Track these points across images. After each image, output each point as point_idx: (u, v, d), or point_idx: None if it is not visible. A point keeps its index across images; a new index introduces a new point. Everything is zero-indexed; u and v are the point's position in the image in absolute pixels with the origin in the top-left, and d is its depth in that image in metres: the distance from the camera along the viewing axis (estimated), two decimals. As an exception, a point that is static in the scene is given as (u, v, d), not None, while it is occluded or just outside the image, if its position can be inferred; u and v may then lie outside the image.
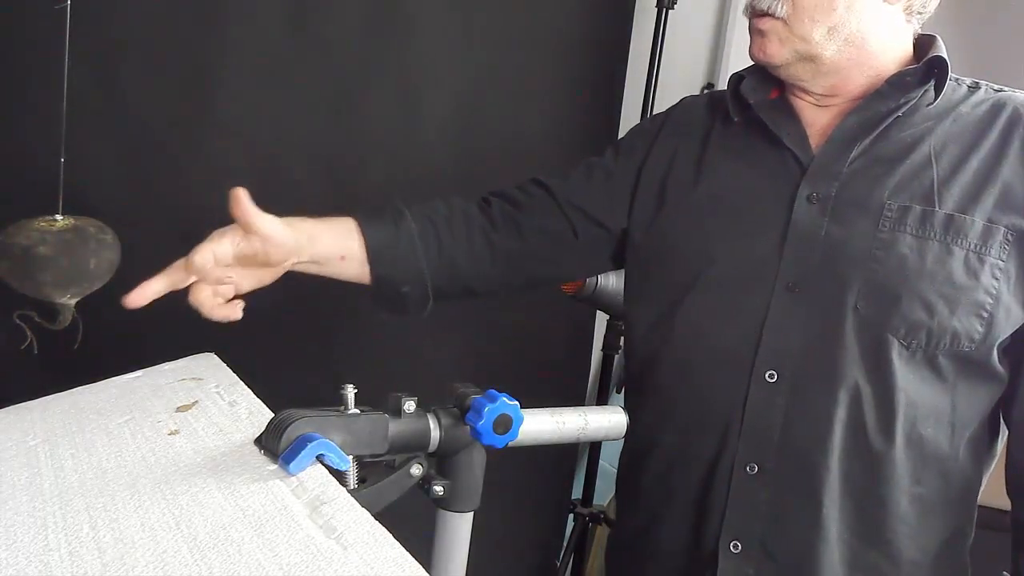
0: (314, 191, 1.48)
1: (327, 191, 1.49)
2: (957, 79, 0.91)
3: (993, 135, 0.86)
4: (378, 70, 1.48)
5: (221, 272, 0.84)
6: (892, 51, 0.90)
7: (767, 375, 0.87)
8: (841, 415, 0.85)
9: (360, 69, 1.47)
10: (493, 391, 0.75)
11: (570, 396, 1.88)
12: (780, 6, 0.85)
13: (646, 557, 0.99)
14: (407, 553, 0.49)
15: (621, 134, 1.88)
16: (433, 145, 1.57)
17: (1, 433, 0.72)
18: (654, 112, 1.84)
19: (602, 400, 2.02)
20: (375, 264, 0.94)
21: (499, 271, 1.02)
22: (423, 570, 0.48)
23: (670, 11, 1.81)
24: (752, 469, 0.88)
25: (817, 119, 0.92)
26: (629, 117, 1.86)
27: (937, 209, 0.83)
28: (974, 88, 0.91)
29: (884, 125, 0.88)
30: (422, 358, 1.60)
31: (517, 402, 0.74)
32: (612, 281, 1.54)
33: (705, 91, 2.07)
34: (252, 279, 0.87)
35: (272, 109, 1.40)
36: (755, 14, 0.88)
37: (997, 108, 0.88)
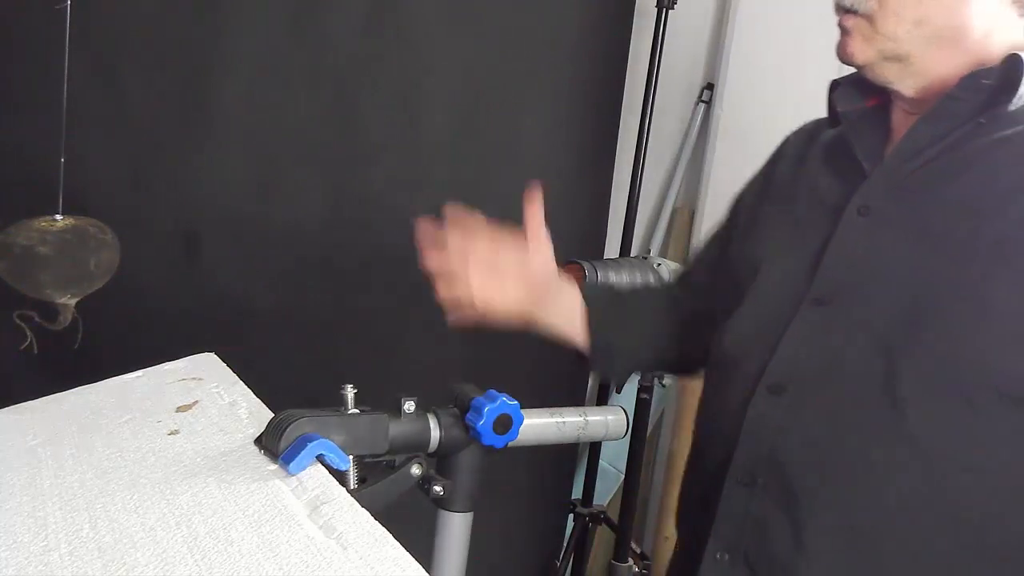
0: (314, 191, 1.48)
1: (327, 191, 1.49)
2: None
3: None
4: (378, 70, 1.48)
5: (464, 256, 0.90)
6: (998, 51, 0.79)
7: (771, 388, 0.83)
8: (845, 441, 0.78)
9: (360, 69, 1.47)
10: (493, 391, 0.75)
11: (570, 396, 1.88)
12: (865, 1, 0.78)
13: (677, 557, 1.00)
14: (407, 553, 0.49)
15: (621, 134, 1.89)
16: (433, 145, 1.57)
17: (1, 433, 0.72)
18: (653, 112, 1.84)
19: (602, 400, 2.01)
20: (594, 336, 1.00)
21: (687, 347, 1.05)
22: (423, 570, 0.48)
23: (670, 11, 1.80)
24: (744, 482, 0.84)
25: (905, 127, 0.84)
26: (629, 117, 1.86)
27: (988, 228, 0.73)
28: None
29: (956, 134, 0.78)
30: (422, 358, 1.60)
31: (517, 402, 0.74)
32: (612, 281, 1.54)
33: (705, 91, 2.08)
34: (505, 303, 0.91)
35: (272, 109, 1.41)
36: (840, 11, 0.82)
37: None
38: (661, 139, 2.03)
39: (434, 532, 0.78)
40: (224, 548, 0.50)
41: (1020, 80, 0.76)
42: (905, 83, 0.82)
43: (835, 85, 0.90)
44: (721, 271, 1.00)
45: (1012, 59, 0.77)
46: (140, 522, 0.54)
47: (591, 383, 2.09)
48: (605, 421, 0.84)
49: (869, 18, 0.79)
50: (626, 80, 1.82)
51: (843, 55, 0.83)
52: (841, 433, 0.79)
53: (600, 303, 1.02)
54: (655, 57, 1.82)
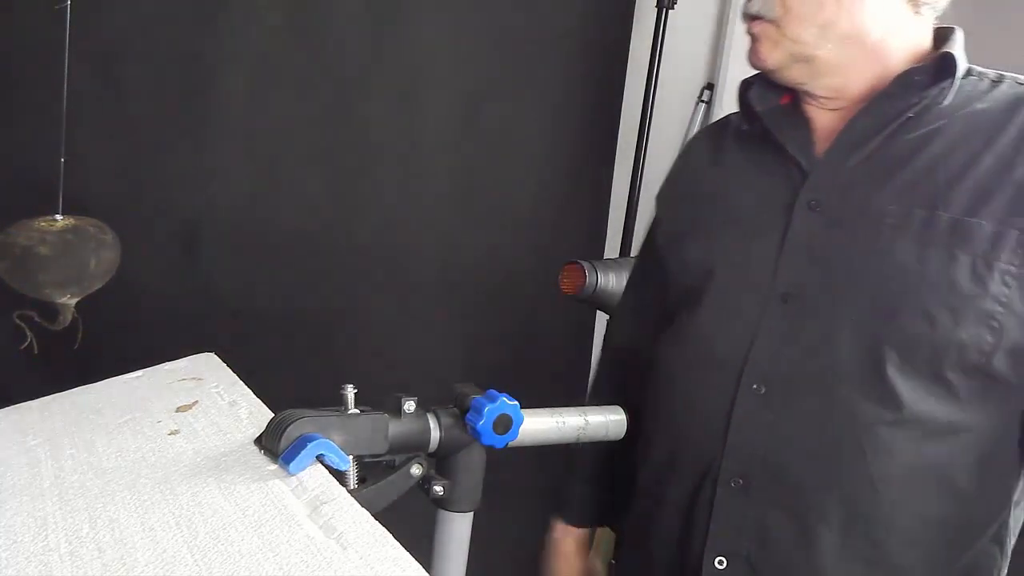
0: (314, 191, 1.48)
1: (327, 191, 1.49)
2: (980, 73, 0.86)
3: (1009, 133, 0.80)
4: (378, 70, 1.48)
5: None
6: (899, 47, 0.85)
7: (755, 387, 0.84)
8: (834, 432, 0.81)
9: (360, 69, 1.47)
10: (493, 391, 0.74)
11: (570, 396, 1.88)
12: (771, 8, 0.83)
13: (641, 565, 0.99)
14: (407, 553, 0.49)
15: (621, 134, 1.89)
16: (433, 145, 1.57)
17: (1, 433, 0.72)
18: (654, 112, 1.84)
19: (602, 400, 2.01)
20: None
21: None
22: (423, 570, 0.48)
23: (670, 11, 1.80)
24: (737, 484, 0.85)
25: (827, 123, 0.89)
26: (629, 117, 1.86)
27: (942, 214, 0.78)
28: (997, 82, 0.85)
29: (891, 127, 0.83)
30: (422, 358, 1.60)
31: (517, 402, 0.74)
32: (612, 281, 1.54)
33: (705, 91, 2.08)
34: None
35: (272, 109, 1.41)
36: (747, 18, 0.86)
37: (1017, 104, 0.82)
38: (661, 139, 2.04)
39: (434, 532, 0.78)
40: (224, 548, 0.50)
41: (951, 77, 0.81)
42: (814, 83, 0.86)
43: (747, 85, 0.93)
44: (656, 286, 1.00)
45: (944, 57, 0.82)
46: (140, 522, 0.54)
47: (591, 383, 2.09)
48: (605, 421, 0.84)
49: (776, 23, 0.83)
50: (626, 80, 1.82)
51: (754, 60, 0.87)
52: (836, 425, 0.81)
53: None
54: (655, 57, 1.81)
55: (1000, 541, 0.85)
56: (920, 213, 0.79)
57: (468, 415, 0.73)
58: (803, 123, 0.90)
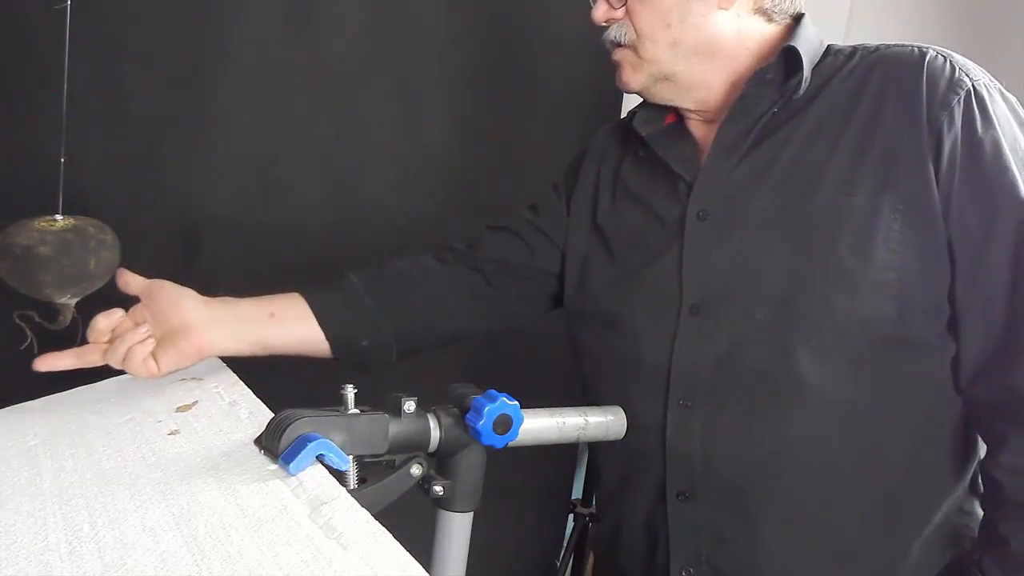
0: (314, 191, 1.48)
1: (327, 191, 1.49)
2: (837, 51, 0.87)
3: (865, 102, 0.81)
4: (378, 70, 1.48)
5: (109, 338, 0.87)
6: (748, 52, 0.87)
7: (680, 402, 0.85)
8: (760, 434, 0.82)
9: (360, 69, 1.47)
10: (493, 391, 0.75)
11: (570, 396, 1.87)
12: (624, 35, 0.87)
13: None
14: (407, 553, 0.49)
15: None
16: (433, 145, 1.57)
17: (1, 433, 0.72)
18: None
19: (602, 400, 2.01)
20: (325, 325, 0.96)
21: (469, 315, 1.04)
22: (423, 570, 0.48)
23: (670, 11, 1.80)
24: (683, 496, 0.86)
25: (706, 135, 0.91)
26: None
27: (816, 200, 0.80)
28: (851, 56, 0.86)
29: (758, 128, 0.85)
30: (422, 358, 1.60)
31: (517, 402, 0.74)
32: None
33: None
34: (168, 359, 0.86)
35: (272, 109, 1.40)
36: (610, 45, 0.90)
37: (868, 72, 0.83)
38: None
39: (434, 532, 0.78)
40: (224, 548, 0.50)
41: (799, 69, 0.83)
42: (682, 98, 0.90)
43: (632, 114, 0.97)
44: (542, 270, 1.02)
45: (787, 51, 0.84)
46: (140, 522, 0.54)
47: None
48: (605, 421, 0.84)
49: (632, 48, 0.88)
50: (626, 80, 1.81)
51: (620, 85, 0.92)
52: (760, 427, 0.82)
53: (325, 297, 0.98)
54: (655, 57, 1.81)
55: (976, 493, 0.86)
56: (796, 205, 0.81)
57: (468, 415, 0.73)
58: (686, 138, 0.92)
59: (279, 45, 1.39)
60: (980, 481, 0.85)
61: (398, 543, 0.50)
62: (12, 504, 0.58)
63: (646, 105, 0.95)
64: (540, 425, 0.80)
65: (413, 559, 0.49)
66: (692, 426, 0.85)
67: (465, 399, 0.74)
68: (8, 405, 0.81)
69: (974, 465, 0.86)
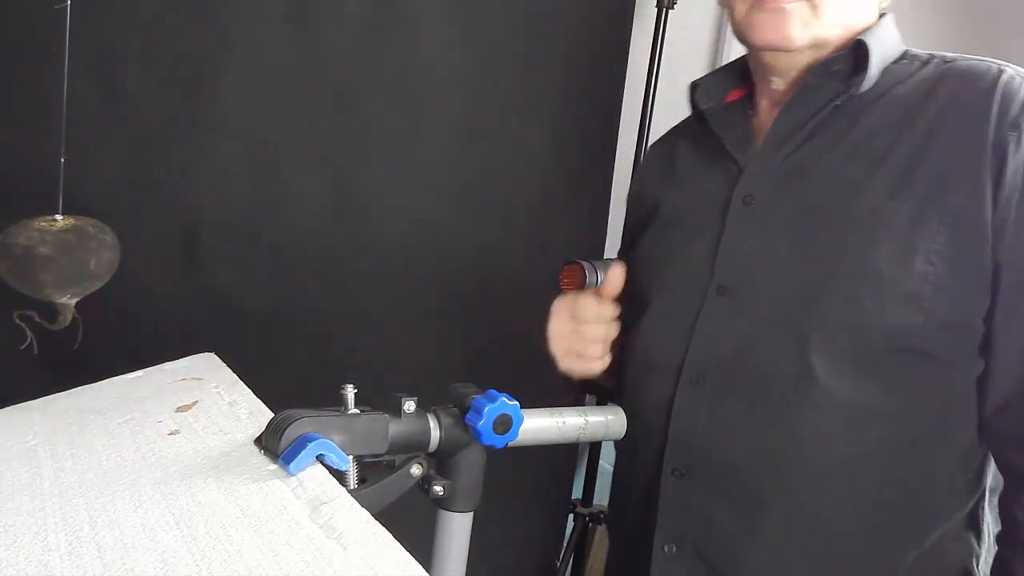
0: (314, 191, 1.48)
1: (327, 191, 1.49)
2: (913, 56, 0.86)
3: (930, 111, 0.79)
4: (378, 70, 1.48)
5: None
6: (850, 36, 0.84)
7: (692, 379, 0.85)
8: (768, 422, 0.81)
9: (360, 69, 1.47)
10: (493, 391, 0.74)
11: (570, 396, 1.87)
12: None
13: (620, 555, 1.01)
14: (407, 553, 0.49)
15: (621, 134, 1.89)
16: (433, 145, 1.57)
17: (1, 433, 0.72)
18: (654, 112, 1.84)
19: (602, 400, 2.01)
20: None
21: None
22: (423, 570, 0.48)
23: (670, 11, 1.80)
24: (679, 473, 0.86)
25: (766, 120, 0.89)
26: (629, 117, 1.86)
27: (864, 199, 0.78)
28: (926, 63, 0.84)
29: (817, 119, 0.83)
30: (422, 358, 1.60)
31: (517, 402, 0.74)
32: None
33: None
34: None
35: (272, 109, 1.41)
36: None
37: (938, 82, 0.81)
38: (661, 139, 2.03)
39: (434, 532, 0.78)
40: (224, 548, 0.50)
41: (867, 64, 0.81)
42: (805, 67, 0.85)
43: (695, 85, 0.95)
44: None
45: (857, 44, 0.82)
46: (140, 522, 0.54)
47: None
48: (605, 421, 0.84)
49: (811, 4, 0.81)
50: (626, 80, 1.82)
51: (776, 38, 0.82)
52: (767, 415, 0.82)
53: None
54: (655, 57, 1.82)
55: (976, 528, 0.85)
56: (841, 202, 0.79)
57: (468, 415, 0.73)
58: (745, 120, 0.91)
59: (279, 45, 1.39)
60: (981, 518, 0.84)
61: (398, 543, 0.50)
62: (12, 504, 0.58)
63: (709, 80, 0.93)
64: (540, 425, 0.79)
65: (413, 559, 0.49)
66: (699, 406, 0.85)
67: (465, 399, 0.74)
68: (8, 405, 0.81)
69: (977, 498, 0.84)
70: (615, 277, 0.91)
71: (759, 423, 0.82)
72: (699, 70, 2.16)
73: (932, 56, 0.85)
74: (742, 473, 0.83)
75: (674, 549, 0.87)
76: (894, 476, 0.80)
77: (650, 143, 1.84)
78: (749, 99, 0.92)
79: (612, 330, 0.92)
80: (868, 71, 0.81)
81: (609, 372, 0.96)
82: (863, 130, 0.82)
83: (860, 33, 0.83)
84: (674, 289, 0.90)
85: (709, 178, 0.91)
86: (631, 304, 0.95)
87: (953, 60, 0.83)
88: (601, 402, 1.08)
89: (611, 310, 0.92)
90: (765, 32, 0.82)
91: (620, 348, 0.96)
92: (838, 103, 0.82)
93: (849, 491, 0.81)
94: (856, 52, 0.82)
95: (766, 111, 0.90)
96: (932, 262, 0.75)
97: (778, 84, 0.88)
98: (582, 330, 0.92)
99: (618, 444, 0.97)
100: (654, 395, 0.89)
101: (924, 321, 0.76)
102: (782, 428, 0.81)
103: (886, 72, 0.83)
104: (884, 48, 0.84)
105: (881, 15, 0.88)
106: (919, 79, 0.83)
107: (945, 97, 0.79)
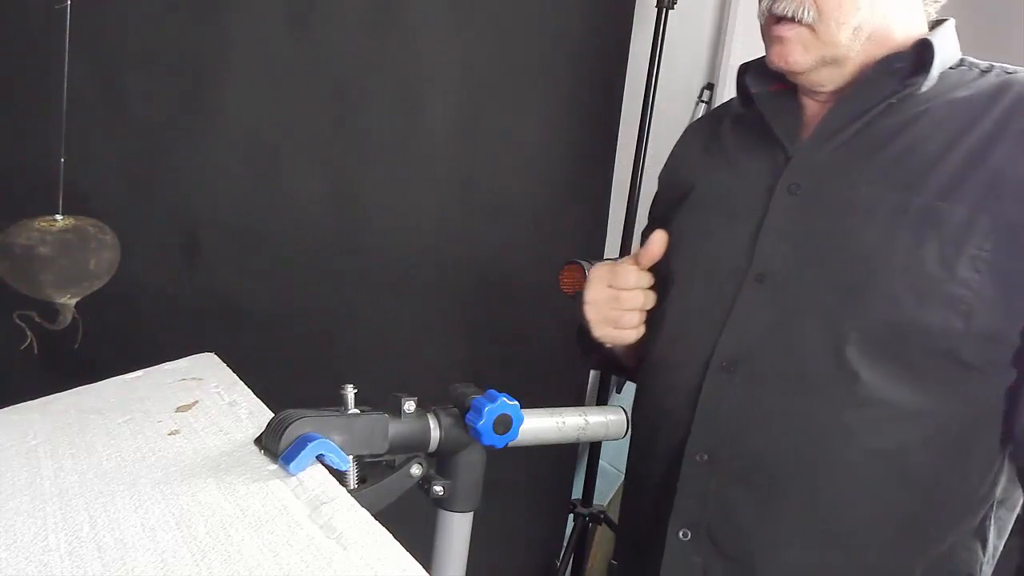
0: (314, 191, 1.48)
1: (327, 191, 1.49)
2: (972, 64, 0.86)
3: (990, 118, 0.79)
4: (378, 70, 1.48)
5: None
6: (899, 40, 0.85)
7: (723, 364, 0.85)
8: (796, 411, 0.81)
9: (360, 69, 1.47)
10: (493, 391, 0.75)
11: (570, 396, 1.88)
12: (806, 11, 0.81)
13: (631, 544, 1.00)
14: (407, 553, 0.49)
15: (621, 134, 1.89)
16: (433, 145, 1.57)
17: (1, 433, 0.72)
18: (654, 112, 1.84)
19: (602, 400, 2.01)
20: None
21: None
22: (423, 570, 0.48)
23: (670, 11, 1.80)
24: (702, 458, 0.85)
25: (817, 110, 0.89)
26: (629, 117, 1.86)
27: (914, 198, 0.78)
28: (986, 71, 0.84)
29: (873, 113, 0.83)
30: (422, 358, 1.60)
31: (517, 402, 0.74)
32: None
33: (705, 91, 2.08)
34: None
35: (272, 109, 1.41)
36: (775, 20, 0.84)
37: (1000, 90, 0.81)
38: (661, 139, 2.03)
39: (434, 532, 0.78)
40: (224, 548, 0.50)
41: (930, 64, 0.81)
42: (834, 83, 0.86)
43: (745, 68, 0.94)
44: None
45: (922, 44, 0.82)
46: (140, 522, 0.54)
47: (591, 383, 2.09)
48: (605, 421, 0.84)
49: (810, 27, 0.82)
50: (626, 80, 1.82)
51: (780, 63, 0.85)
52: (796, 406, 0.81)
53: None
54: (655, 57, 1.82)
55: (982, 537, 0.85)
56: (892, 197, 0.79)
57: (468, 415, 0.73)
58: (795, 108, 0.90)
59: (279, 44, 1.39)
60: (988, 527, 0.84)
61: (398, 543, 0.50)
62: (12, 504, 0.58)
63: (759, 65, 0.92)
64: (540, 425, 0.80)
65: (413, 559, 0.49)
66: (728, 392, 0.84)
67: (465, 399, 0.74)
68: (8, 405, 0.81)
69: (987, 508, 0.84)
70: (656, 245, 0.90)
71: (789, 413, 0.82)
72: (699, 70, 2.17)
73: (992, 65, 0.85)
74: (765, 460, 0.83)
75: (689, 535, 0.87)
76: (916, 478, 0.80)
77: (650, 143, 1.84)
78: (790, 91, 0.91)
79: (650, 299, 0.92)
80: (930, 71, 0.81)
81: (632, 347, 0.96)
82: (917, 130, 0.81)
83: (902, 41, 0.84)
84: (709, 273, 0.89)
85: (753, 163, 0.90)
86: (658, 281, 0.95)
87: (1015, 71, 0.83)
88: (617, 380, 1.07)
89: (649, 278, 0.91)
90: (772, 58, 0.86)
91: (645, 325, 0.95)
92: (894, 101, 0.82)
93: (870, 488, 0.81)
94: (919, 52, 0.82)
95: (812, 104, 0.90)
96: (978, 269, 0.75)
97: (816, 97, 0.89)
98: (621, 296, 0.90)
99: (635, 428, 0.96)
100: (681, 378, 0.88)
101: (963, 327, 0.76)
102: (811, 419, 0.81)
103: (943, 76, 0.83)
104: (945, 52, 0.83)
105: (940, 21, 0.88)
106: (980, 86, 0.82)
107: (1006, 105, 0.79)
